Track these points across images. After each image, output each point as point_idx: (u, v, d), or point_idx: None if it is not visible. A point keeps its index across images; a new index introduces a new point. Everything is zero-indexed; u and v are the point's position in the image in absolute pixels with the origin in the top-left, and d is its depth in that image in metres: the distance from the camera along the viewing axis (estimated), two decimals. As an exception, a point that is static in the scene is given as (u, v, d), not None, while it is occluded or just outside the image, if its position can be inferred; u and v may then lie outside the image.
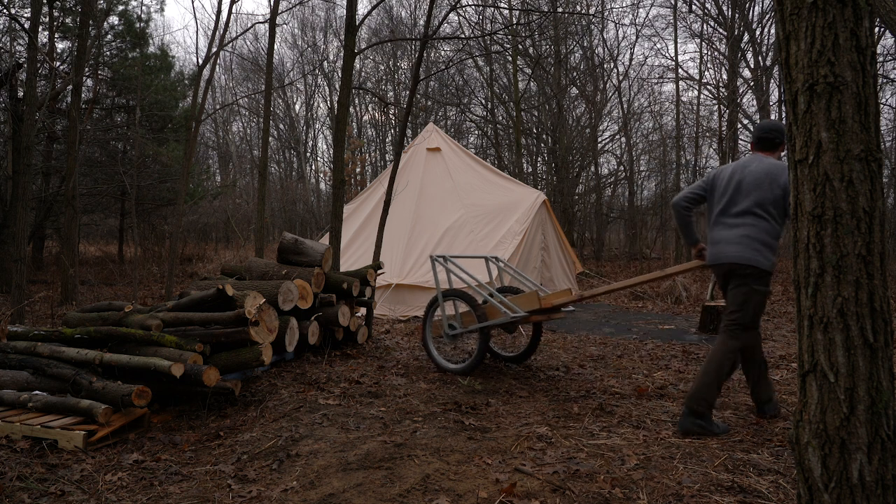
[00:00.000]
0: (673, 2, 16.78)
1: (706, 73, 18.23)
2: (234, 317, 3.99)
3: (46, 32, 12.67)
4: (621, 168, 19.29)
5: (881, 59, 14.56)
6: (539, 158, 20.17)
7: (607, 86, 18.65)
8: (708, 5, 18.03)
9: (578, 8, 17.63)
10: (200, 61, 9.16)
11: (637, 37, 21.55)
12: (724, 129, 14.47)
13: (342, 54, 8.94)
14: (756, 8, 18.47)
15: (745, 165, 3.51)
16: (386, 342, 5.88)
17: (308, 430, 3.29)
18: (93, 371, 3.72)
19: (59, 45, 14.02)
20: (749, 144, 4.53)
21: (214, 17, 19.00)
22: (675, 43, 16.91)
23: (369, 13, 7.26)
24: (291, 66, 27.12)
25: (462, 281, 4.58)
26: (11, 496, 2.57)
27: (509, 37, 15.71)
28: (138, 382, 3.54)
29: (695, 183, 4.16)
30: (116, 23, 14.48)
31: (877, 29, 10.64)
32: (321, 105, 27.80)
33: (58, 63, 13.06)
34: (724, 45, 17.92)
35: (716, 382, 3.19)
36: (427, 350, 4.63)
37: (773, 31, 18.07)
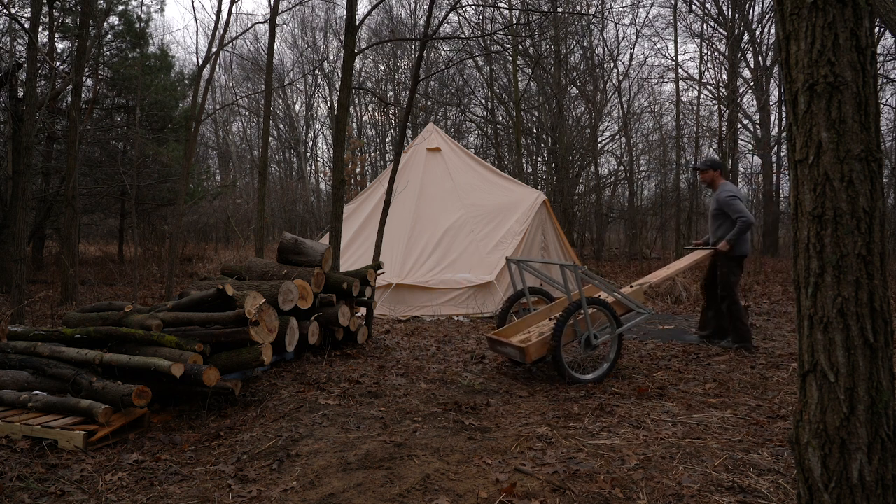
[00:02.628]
0: (673, 2, 16.78)
1: (706, 73, 18.24)
2: (234, 317, 3.99)
3: (46, 32, 12.67)
4: (621, 168, 19.29)
5: (881, 59, 14.56)
6: (539, 158, 20.17)
7: (607, 86, 18.65)
8: (708, 5, 18.04)
9: (578, 8, 17.63)
10: (200, 61, 9.16)
11: (637, 37, 21.55)
12: (724, 129, 14.47)
13: (342, 54, 8.94)
14: (756, 8, 18.49)
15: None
16: (386, 342, 5.88)
17: (308, 430, 3.29)
18: (93, 371, 3.72)
19: (59, 45, 14.03)
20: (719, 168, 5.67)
21: (214, 17, 18.99)
22: (675, 43, 16.90)
23: (369, 13, 7.26)
24: (291, 66, 27.14)
25: (546, 282, 5.00)
26: (11, 496, 2.57)
27: (509, 37, 15.70)
28: (138, 382, 3.54)
29: (742, 203, 5.34)
30: (116, 23, 14.49)
31: (877, 29, 10.64)
32: (321, 105, 27.82)
33: (58, 63, 13.06)
34: (724, 45, 17.92)
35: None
36: (559, 366, 4.19)
37: (773, 31, 18.08)
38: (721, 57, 17.62)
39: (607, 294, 4.72)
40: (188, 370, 3.52)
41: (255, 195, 18.14)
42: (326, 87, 25.89)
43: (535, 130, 19.38)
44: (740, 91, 18.63)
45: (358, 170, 21.90)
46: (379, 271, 6.09)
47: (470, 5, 12.07)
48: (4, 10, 10.17)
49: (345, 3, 7.04)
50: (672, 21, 17.20)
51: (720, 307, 5.58)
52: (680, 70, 16.68)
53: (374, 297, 6.15)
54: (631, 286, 5.01)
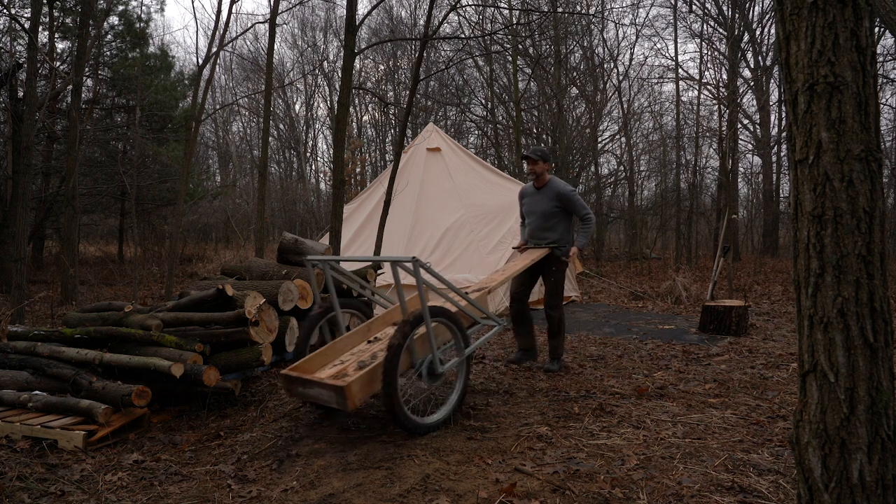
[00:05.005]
0: (673, 2, 16.78)
1: (706, 73, 18.22)
2: (234, 317, 3.99)
3: (46, 32, 12.66)
4: (621, 168, 19.29)
5: (881, 59, 14.57)
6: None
7: (607, 86, 18.65)
8: (708, 5, 18.03)
9: (578, 8, 17.63)
10: (200, 61, 9.16)
11: (637, 37, 21.57)
12: (724, 129, 14.46)
13: (342, 54, 8.95)
14: (756, 8, 18.49)
15: None
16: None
17: (308, 430, 3.29)
18: (93, 371, 3.72)
19: (59, 45, 14.02)
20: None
21: (214, 17, 18.99)
22: (675, 43, 16.90)
23: (369, 13, 7.26)
24: (291, 66, 27.13)
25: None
26: (11, 496, 2.57)
27: (509, 37, 15.70)
28: (138, 382, 3.54)
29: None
30: (116, 23, 14.48)
31: (877, 29, 10.64)
32: (321, 105, 27.82)
33: (58, 63, 13.05)
34: (724, 45, 17.92)
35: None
36: (395, 408, 3.02)
37: (773, 31, 18.08)
38: (721, 57, 17.61)
39: (448, 301, 3.64)
40: (188, 370, 3.52)
41: (255, 195, 18.14)
42: (326, 87, 25.89)
43: (535, 130, 19.37)
44: (740, 91, 18.63)
45: (358, 170, 21.90)
46: (379, 271, 6.09)
47: (470, 5, 12.07)
48: (4, 10, 10.17)
49: (345, 3, 7.04)
50: (672, 21, 17.21)
51: (542, 317, 4.82)
52: (680, 70, 16.67)
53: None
54: (466, 291, 4.02)
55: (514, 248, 5.13)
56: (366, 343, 3.73)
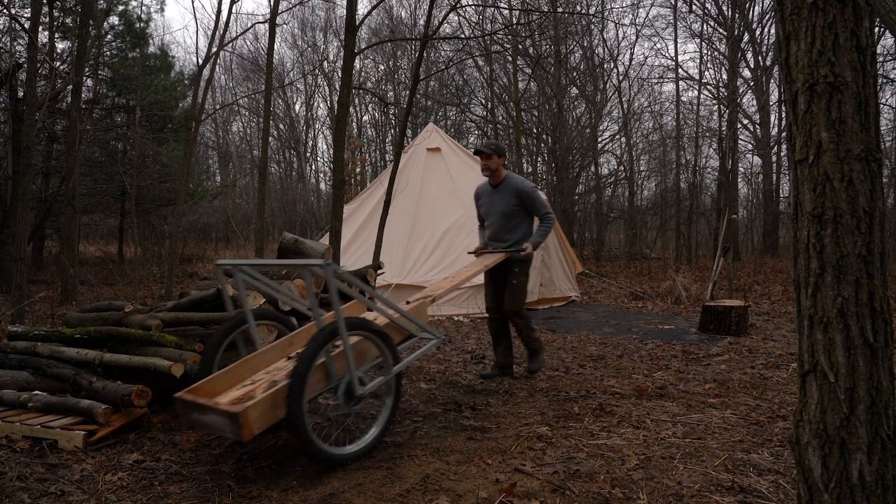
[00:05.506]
0: (673, 2, 16.78)
1: (706, 73, 18.22)
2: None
3: (46, 32, 12.66)
4: (621, 168, 19.29)
5: (881, 59, 14.57)
6: (539, 158, 20.17)
7: (607, 86, 18.65)
8: (708, 5, 18.03)
9: (578, 8, 17.62)
10: (200, 61, 9.16)
11: (637, 37, 21.57)
12: (724, 129, 14.46)
13: (342, 54, 8.95)
14: (756, 8, 18.50)
15: None
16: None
17: (308, 430, 3.29)
18: (93, 371, 3.72)
19: (59, 45, 14.03)
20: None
21: (214, 17, 18.99)
22: (675, 43, 16.91)
23: (369, 13, 7.27)
24: (291, 66, 27.12)
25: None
26: (11, 496, 2.57)
27: (509, 37, 15.70)
28: (138, 382, 3.54)
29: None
30: (116, 23, 14.49)
31: (877, 29, 10.65)
32: (321, 105, 27.82)
33: (58, 63, 13.05)
34: (724, 45, 17.92)
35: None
36: (302, 434, 2.60)
37: (773, 31, 18.08)
38: (721, 57, 17.61)
39: (378, 313, 3.30)
40: (188, 370, 3.52)
41: (255, 195, 18.14)
42: (326, 87, 25.88)
43: (535, 130, 19.38)
44: (740, 91, 18.63)
45: (358, 170, 21.90)
46: (379, 271, 6.08)
47: (470, 5, 12.07)
48: (4, 10, 10.17)
49: (345, 3, 7.04)
50: (672, 21, 17.21)
51: (512, 327, 4.51)
52: (680, 70, 16.68)
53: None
54: (408, 302, 3.65)
55: (469, 252, 4.65)
56: (285, 360, 3.27)
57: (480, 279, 7.68)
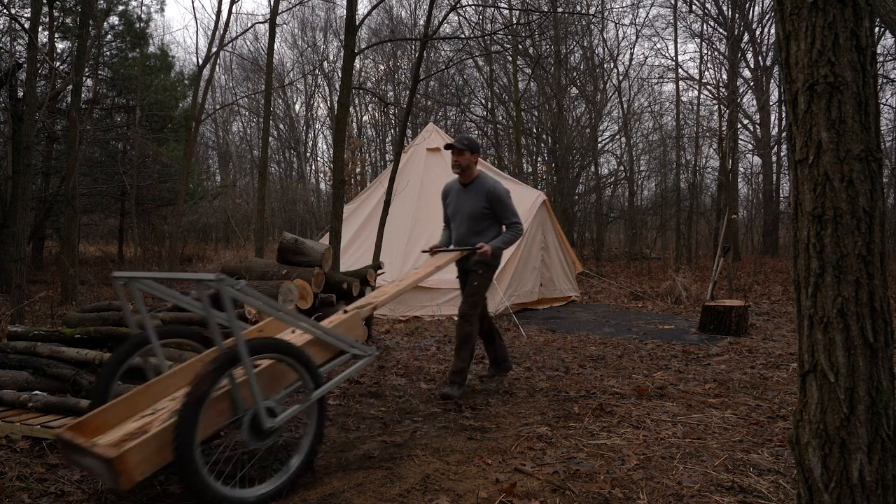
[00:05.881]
0: (673, 2, 16.78)
1: (706, 73, 18.23)
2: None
3: (46, 32, 12.66)
4: (621, 168, 19.29)
5: (881, 59, 14.57)
6: (539, 158, 20.18)
7: (607, 86, 18.65)
8: (708, 5, 18.04)
9: (578, 8, 17.63)
10: (200, 61, 9.16)
11: (637, 37, 21.56)
12: (724, 129, 14.46)
13: (342, 54, 8.95)
14: (756, 8, 18.51)
15: None
16: (386, 342, 5.88)
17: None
18: (93, 371, 3.72)
19: (59, 45, 14.02)
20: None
21: (214, 17, 19.00)
22: (675, 43, 16.93)
23: (369, 13, 7.27)
24: (291, 66, 27.13)
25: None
26: (11, 496, 2.57)
27: (509, 37, 15.71)
28: (138, 382, 3.54)
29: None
30: (116, 23, 14.49)
31: (877, 29, 10.65)
32: (321, 105, 27.81)
33: (58, 63, 13.05)
34: (724, 45, 17.92)
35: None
36: (192, 477, 2.22)
37: (773, 31, 18.09)
38: (721, 57, 17.62)
39: (299, 331, 2.91)
40: (188, 370, 3.51)
41: (255, 195, 18.15)
42: (326, 87, 25.88)
43: (535, 130, 19.38)
44: (740, 91, 18.64)
45: (358, 170, 21.90)
46: (379, 271, 6.09)
47: (470, 5, 12.07)
48: (4, 10, 10.18)
49: (345, 3, 7.04)
50: (672, 21, 17.21)
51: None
52: (680, 70, 16.68)
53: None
54: (345, 311, 3.22)
55: (423, 251, 4.31)
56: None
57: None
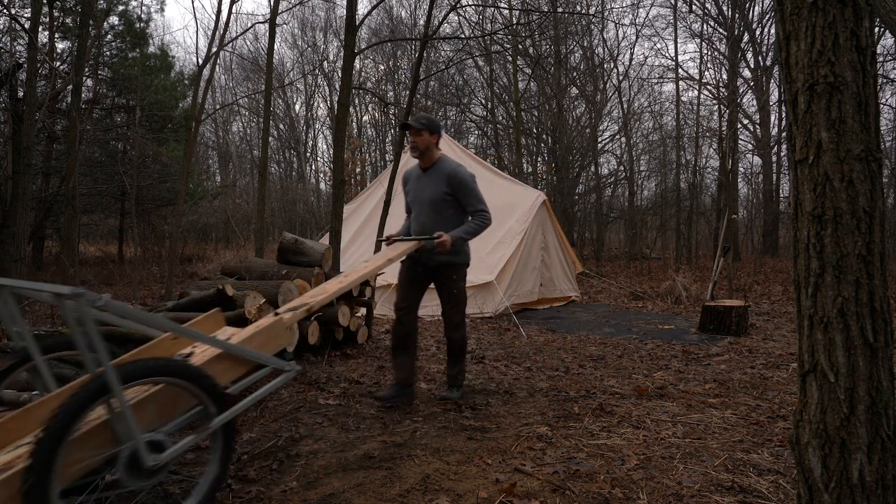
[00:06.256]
0: (673, 2, 16.79)
1: (706, 73, 18.24)
2: (233, 317, 3.99)
3: (46, 32, 12.67)
4: (621, 168, 19.30)
5: (881, 59, 14.57)
6: (539, 158, 20.19)
7: (607, 86, 18.65)
8: (708, 5, 18.04)
9: (578, 8, 17.63)
10: (200, 61, 9.16)
11: (637, 37, 21.57)
12: (724, 129, 14.46)
13: (342, 54, 8.95)
14: (756, 8, 18.51)
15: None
16: (386, 342, 5.88)
17: (308, 430, 3.29)
18: (93, 371, 3.72)
19: (59, 45, 14.04)
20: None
21: (214, 17, 19.01)
22: (675, 43, 16.93)
23: (369, 13, 7.27)
24: (291, 66, 27.14)
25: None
26: (11, 496, 2.57)
27: (509, 37, 15.71)
28: (138, 382, 3.54)
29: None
30: (116, 23, 14.50)
31: (877, 29, 10.65)
32: (321, 105, 27.83)
33: (58, 63, 13.05)
34: (724, 45, 17.92)
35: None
36: None
37: (773, 31, 18.09)
38: (721, 57, 17.62)
39: (203, 345, 2.55)
40: (188, 370, 3.51)
41: (255, 195, 18.15)
42: (326, 87, 25.89)
43: (535, 130, 19.39)
44: (740, 91, 18.64)
45: (358, 170, 21.91)
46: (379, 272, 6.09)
47: (470, 5, 12.07)
48: (4, 10, 10.18)
49: (345, 3, 7.04)
50: (672, 21, 17.21)
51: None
52: (680, 70, 16.69)
53: (374, 297, 6.15)
54: (276, 313, 2.81)
55: (380, 239, 3.92)
56: None
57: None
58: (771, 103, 18.88)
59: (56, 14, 13.05)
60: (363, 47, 13.45)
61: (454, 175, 3.58)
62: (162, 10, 34.44)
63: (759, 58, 19.17)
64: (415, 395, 3.78)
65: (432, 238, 3.49)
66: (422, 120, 3.59)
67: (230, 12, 9.16)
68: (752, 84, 19.67)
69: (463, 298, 3.77)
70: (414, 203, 3.76)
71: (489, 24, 16.20)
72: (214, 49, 8.93)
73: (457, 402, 3.79)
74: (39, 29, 9.82)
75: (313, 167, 27.38)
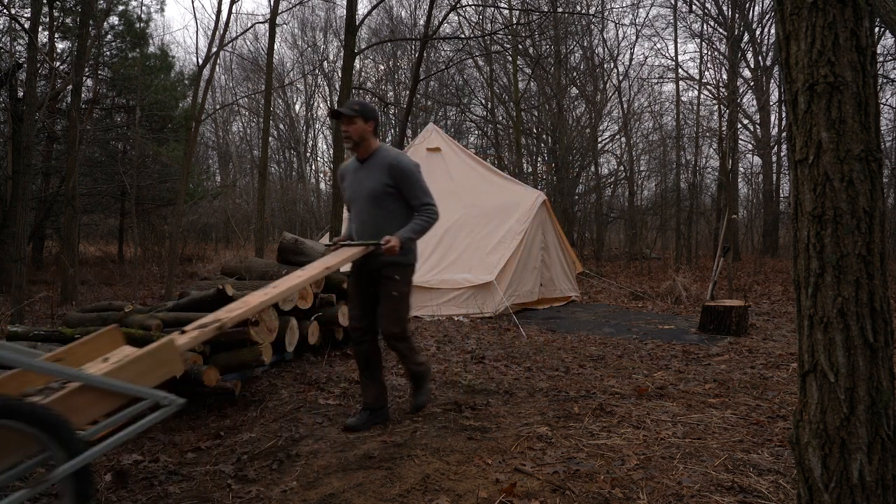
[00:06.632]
0: (673, 2, 16.79)
1: (706, 73, 18.24)
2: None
3: (46, 32, 12.67)
4: (621, 168, 19.30)
5: (881, 59, 14.58)
6: (539, 158, 20.19)
7: (607, 86, 18.65)
8: (708, 5, 18.04)
9: (578, 8, 17.63)
10: (200, 61, 9.16)
11: (637, 37, 21.58)
12: (724, 129, 14.46)
13: (342, 54, 8.95)
14: (756, 8, 18.51)
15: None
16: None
17: (308, 430, 3.29)
18: (93, 371, 3.72)
19: (59, 45, 14.05)
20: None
21: (214, 17, 19.01)
22: (675, 43, 16.94)
23: (369, 13, 7.27)
24: (291, 66, 27.15)
25: None
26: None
27: (509, 37, 15.71)
28: (138, 382, 3.54)
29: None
30: (116, 23, 14.51)
31: (877, 29, 10.65)
32: (321, 105, 27.82)
33: (58, 63, 13.05)
34: (724, 45, 17.93)
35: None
36: None
37: (773, 31, 18.09)
38: (721, 57, 17.62)
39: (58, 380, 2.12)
40: (188, 370, 3.52)
41: (255, 195, 18.14)
42: (326, 87, 25.89)
43: (535, 130, 19.39)
44: (740, 91, 18.64)
45: (358, 170, 21.85)
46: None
47: (470, 5, 12.07)
48: (4, 10, 10.18)
49: (345, 3, 7.04)
50: (672, 21, 17.21)
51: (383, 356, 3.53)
52: (680, 70, 16.69)
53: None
54: (183, 331, 2.40)
55: (326, 244, 3.53)
56: None
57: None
58: (771, 103, 18.89)
59: (56, 14, 13.05)
60: (363, 47, 13.46)
61: (396, 164, 3.17)
62: (162, 10, 34.49)
63: (759, 58, 19.18)
64: (388, 416, 3.42)
65: (379, 244, 3.08)
66: (354, 106, 3.17)
67: (230, 12, 9.17)
68: (752, 84, 19.67)
69: (405, 307, 3.28)
70: (352, 200, 3.31)
71: (489, 24, 16.20)
72: (214, 49, 8.93)
73: (457, 401, 3.79)
74: (39, 29, 9.83)
75: (313, 167, 27.40)
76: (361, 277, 3.30)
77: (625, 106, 17.99)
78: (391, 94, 22.40)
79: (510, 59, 17.30)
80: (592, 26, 17.83)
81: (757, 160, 20.78)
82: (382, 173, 3.17)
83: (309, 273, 2.97)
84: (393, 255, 3.13)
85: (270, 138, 18.63)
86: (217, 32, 8.84)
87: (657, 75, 19.70)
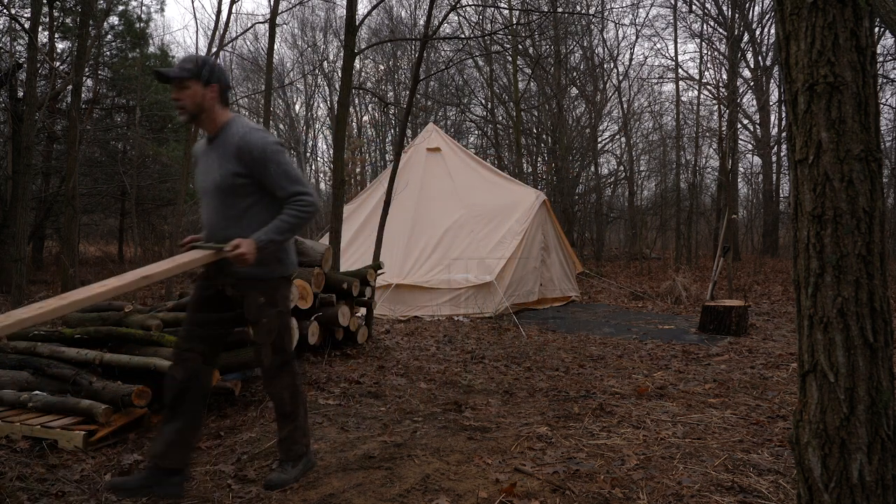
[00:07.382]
0: (673, 2, 16.79)
1: (706, 73, 18.24)
2: (233, 317, 3.98)
3: (46, 32, 12.66)
4: (621, 168, 19.30)
5: (881, 59, 14.57)
6: (539, 158, 20.19)
7: (607, 86, 18.65)
8: (708, 5, 18.04)
9: (578, 8, 17.63)
10: (200, 61, 9.15)
11: (637, 37, 21.58)
12: (724, 129, 14.46)
13: (342, 54, 8.96)
14: (756, 8, 18.51)
15: None
16: (386, 342, 5.88)
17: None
18: (93, 371, 3.72)
19: (59, 45, 14.04)
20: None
21: (214, 17, 19.01)
22: (675, 43, 16.94)
23: (369, 13, 7.27)
24: (291, 66, 27.12)
25: None
26: (11, 496, 2.57)
27: (509, 37, 15.70)
28: (138, 382, 3.54)
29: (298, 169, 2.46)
30: (116, 23, 14.51)
31: (877, 29, 10.65)
32: (321, 105, 27.80)
33: (58, 63, 13.05)
34: (724, 45, 17.92)
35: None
36: None
37: (773, 31, 18.08)
38: (721, 57, 17.62)
39: None
40: (188, 370, 3.51)
41: (255, 195, 18.10)
42: (326, 88, 25.86)
43: (535, 130, 19.39)
44: (740, 91, 18.64)
45: (358, 170, 21.90)
46: (379, 271, 6.09)
47: (470, 5, 12.07)
48: (4, 10, 10.18)
49: (345, 3, 7.04)
50: (672, 21, 17.21)
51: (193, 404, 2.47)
52: (680, 70, 16.69)
53: (374, 297, 6.15)
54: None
55: (181, 244, 2.62)
56: None
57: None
58: (771, 103, 18.89)
59: (56, 14, 13.05)
60: (363, 47, 13.46)
61: (245, 144, 2.33)
62: (162, 10, 34.49)
63: (759, 58, 19.18)
64: (183, 491, 2.45)
65: (222, 248, 2.32)
66: (186, 64, 2.33)
67: (230, 12, 9.16)
68: (752, 84, 19.67)
69: (283, 332, 2.51)
70: (201, 193, 2.54)
71: (489, 24, 16.20)
72: (214, 49, 8.93)
73: (456, 401, 3.79)
74: (39, 29, 9.83)
75: (313, 167, 27.37)
76: (208, 285, 2.55)
77: (625, 106, 18.00)
78: (391, 94, 22.39)
79: (510, 59, 17.30)
80: (592, 26, 17.83)
81: (757, 160, 20.79)
82: (229, 158, 2.35)
83: (118, 282, 2.16)
84: (247, 267, 2.31)
85: (270, 138, 18.58)
86: (217, 32, 8.84)
87: (657, 75, 19.72)
